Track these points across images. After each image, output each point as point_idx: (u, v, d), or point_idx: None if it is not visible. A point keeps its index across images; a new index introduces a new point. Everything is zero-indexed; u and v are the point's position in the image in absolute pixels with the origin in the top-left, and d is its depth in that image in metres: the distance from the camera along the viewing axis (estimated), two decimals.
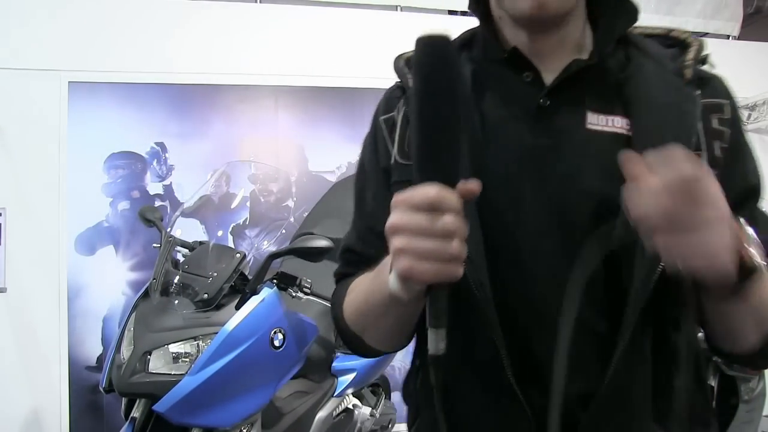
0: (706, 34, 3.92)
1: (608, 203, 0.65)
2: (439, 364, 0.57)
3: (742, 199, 0.71)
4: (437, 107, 0.55)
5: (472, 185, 0.55)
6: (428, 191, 0.53)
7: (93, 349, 2.98)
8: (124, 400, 1.82)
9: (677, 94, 0.70)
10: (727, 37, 3.98)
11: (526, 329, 0.69)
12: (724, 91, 0.73)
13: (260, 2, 3.43)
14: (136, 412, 1.75)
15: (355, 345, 0.81)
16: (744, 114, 3.66)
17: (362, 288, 0.75)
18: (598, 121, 0.70)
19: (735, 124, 0.72)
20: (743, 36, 4.02)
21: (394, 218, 0.55)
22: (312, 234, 2.10)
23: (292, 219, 3.25)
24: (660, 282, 0.64)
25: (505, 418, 0.69)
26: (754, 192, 0.74)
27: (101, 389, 1.83)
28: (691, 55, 0.72)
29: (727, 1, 3.96)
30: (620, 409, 0.67)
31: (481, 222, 0.68)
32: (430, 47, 0.55)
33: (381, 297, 0.67)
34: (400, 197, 0.55)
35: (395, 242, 0.55)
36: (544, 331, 0.67)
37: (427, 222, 0.53)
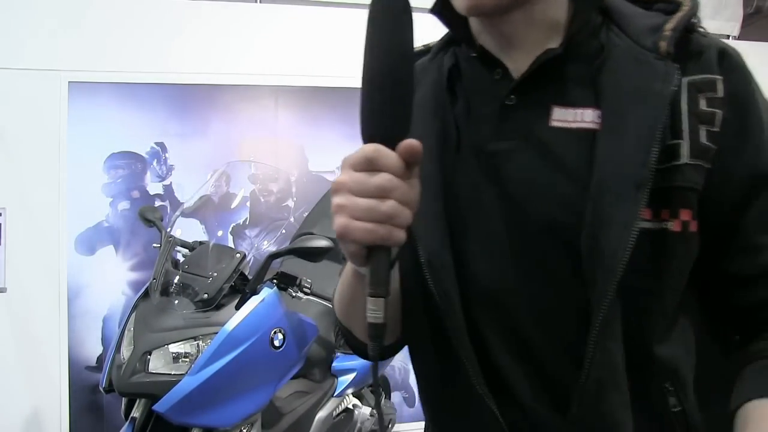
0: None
1: (568, 206, 0.62)
2: (378, 334, 0.55)
3: (751, 191, 0.63)
4: (382, 64, 0.54)
5: (413, 144, 0.53)
6: (365, 150, 0.53)
7: (93, 349, 2.98)
8: (124, 400, 1.82)
9: (648, 73, 0.61)
10: (727, 37, 3.98)
11: (489, 339, 0.67)
12: (719, 64, 0.63)
13: (260, 2, 3.43)
14: (136, 412, 1.75)
15: (350, 342, 0.79)
16: None
17: (342, 276, 0.74)
18: (564, 117, 0.64)
19: (736, 102, 0.62)
20: (743, 36, 4.02)
21: (337, 178, 0.55)
22: (312, 234, 2.10)
23: (292, 219, 3.25)
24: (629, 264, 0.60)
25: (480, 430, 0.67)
26: (762, 174, 0.63)
27: (101, 389, 1.83)
28: (671, 24, 0.62)
29: (727, 1, 3.96)
30: (601, 401, 0.63)
31: (450, 231, 0.67)
32: (386, 3, 0.54)
33: (351, 277, 0.67)
34: (345, 158, 0.54)
35: (334, 200, 0.55)
36: (509, 340, 0.66)
37: (362, 178, 0.53)
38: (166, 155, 3.15)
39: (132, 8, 3.13)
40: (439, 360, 0.71)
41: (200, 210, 3.14)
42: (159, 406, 1.65)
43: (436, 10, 0.71)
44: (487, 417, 0.66)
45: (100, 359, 2.96)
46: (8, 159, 2.92)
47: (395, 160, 0.53)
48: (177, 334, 1.75)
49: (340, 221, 0.54)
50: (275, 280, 1.92)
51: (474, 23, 0.69)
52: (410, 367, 3.03)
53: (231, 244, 3.11)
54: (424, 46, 0.78)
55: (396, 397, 3.28)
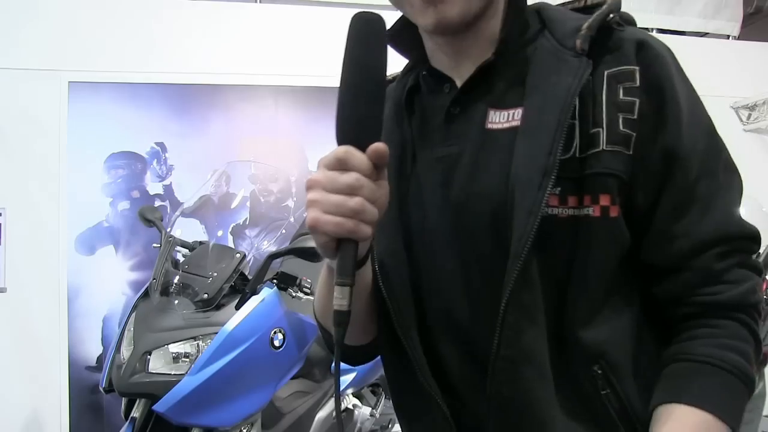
0: (706, 34, 3.92)
1: (497, 200, 0.65)
2: (341, 321, 0.59)
3: (666, 176, 0.65)
4: (358, 77, 0.60)
5: (379, 147, 0.58)
6: (337, 151, 0.59)
7: (93, 349, 2.98)
8: (124, 400, 1.82)
9: (563, 69, 0.65)
10: (727, 37, 3.98)
11: (435, 337, 0.72)
12: (636, 55, 0.65)
13: (260, 2, 3.43)
14: (136, 412, 1.75)
15: (329, 342, 0.81)
16: (744, 114, 3.66)
17: (320, 279, 0.79)
18: (498, 119, 0.69)
19: (653, 89, 0.64)
20: (743, 36, 4.02)
21: (312, 176, 0.60)
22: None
23: (292, 219, 3.25)
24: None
25: None
26: (676, 158, 0.64)
27: (101, 389, 1.83)
28: (587, 23, 0.66)
29: (727, 1, 3.96)
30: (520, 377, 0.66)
31: (405, 234, 0.73)
32: (366, 24, 0.61)
33: (326, 278, 0.73)
34: (320, 158, 0.60)
35: (308, 195, 0.60)
36: (449, 332, 0.71)
37: (333, 176, 0.58)
38: (166, 155, 3.15)
39: (132, 8, 3.13)
40: (395, 361, 0.75)
41: (200, 210, 3.14)
42: (159, 406, 1.65)
43: (391, 39, 0.74)
44: (436, 413, 0.70)
45: (100, 359, 2.96)
46: (8, 159, 2.92)
47: (364, 161, 0.58)
48: (177, 334, 1.75)
49: (312, 214, 0.59)
50: (275, 280, 1.92)
51: (428, 45, 0.75)
52: None
53: (231, 244, 3.11)
54: (391, 75, 0.83)
55: None
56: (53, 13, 3.01)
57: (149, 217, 2.12)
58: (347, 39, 0.61)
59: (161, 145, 3.14)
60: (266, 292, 1.87)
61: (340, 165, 0.58)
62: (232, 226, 3.19)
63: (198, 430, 1.77)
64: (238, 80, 3.25)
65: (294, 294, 1.93)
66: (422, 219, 0.73)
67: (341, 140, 0.60)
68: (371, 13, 0.61)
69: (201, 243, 2.15)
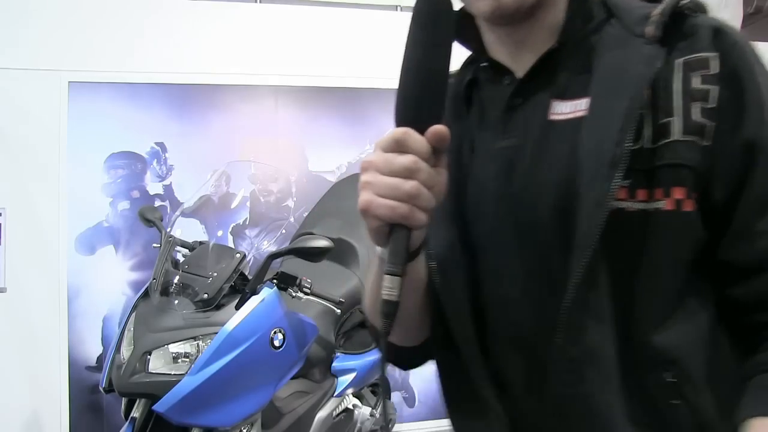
0: None
1: (560, 193, 0.63)
2: (389, 311, 0.57)
3: (748, 167, 0.61)
4: (419, 56, 0.58)
5: (439, 129, 0.56)
6: (395, 132, 0.56)
7: (93, 349, 2.98)
8: (124, 400, 1.82)
9: (634, 57, 0.63)
10: None
11: (492, 335, 0.70)
12: (712, 42, 0.62)
13: (260, 2, 3.43)
14: (136, 412, 1.75)
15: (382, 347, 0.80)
16: None
17: (369, 275, 0.76)
18: (562, 109, 0.66)
19: (732, 77, 0.61)
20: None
21: (367, 156, 0.58)
22: (312, 234, 2.10)
23: (292, 219, 3.25)
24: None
25: None
26: (759, 150, 0.60)
27: (101, 389, 1.83)
28: (659, 9, 0.63)
29: (727, 1, 3.96)
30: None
31: (462, 229, 0.70)
32: (430, 2, 0.59)
33: (377, 274, 0.68)
34: (377, 140, 0.58)
35: (362, 177, 0.58)
36: (508, 333, 0.69)
37: (388, 158, 0.56)
38: (166, 155, 3.15)
39: (132, 8, 3.13)
40: (448, 359, 0.73)
41: (200, 210, 3.14)
42: (159, 406, 1.65)
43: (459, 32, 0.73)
44: (491, 415, 0.67)
45: (100, 359, 2.96)
46: (8, 159, 2.92)
47: (422, 143, 0.56)
48: (177, 334, 1.75)
49: (364, 197, 0.57)
50: (275, 280, 1.92)
51: (488, 37, 0.73)
52: None
53: (231, 244, 3.11)
54: (453, 72, 0.82)
55: (396, 397, 3.28)
56: (53, 13, 3.01)
57: (149, 217, 2.12)
58: (412, 17, 0.59)
59: (161, 145, 3.14)
60: (266, 292, 1.87)
61: (398, 146, 0.56)
62: (232, 226, 3.20)
63: (198, 430, 1.77)
64: (238, 80, 3.24)
65: (294, 294, 1.93)
66: (480, 212, 0.70)
67: (399, 121, 0.58)
68: None
69: (201, 243, 2.15)
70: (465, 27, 0.74)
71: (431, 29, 0.58)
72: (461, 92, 0.76)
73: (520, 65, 0.71)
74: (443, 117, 0.58)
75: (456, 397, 0.76)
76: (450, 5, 0.59)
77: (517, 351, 0.68)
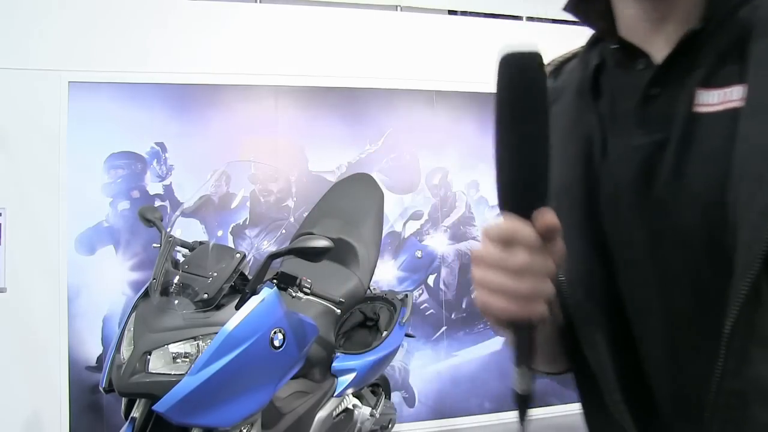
0: None
1: (712, 199, 0.54)
2: (524, 403, 0.56)
3: None
4: (517, 132, 0.53)
5: (548, 220, 0.52)
6: (502, 225, 0.53)
7: (93, 349, 2.98)
8: (124, 400, 1.82)
9: None
10: None
11: (630, 351, 0.63)
12: None
13: (260, 2, 3.43)
14: (136, 412, 1.75)
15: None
16: None
17: None
18: (709, 100, 0.57)
19: None
20: None
21: (477, 249, 0.55)
22: (312, 234, 2.09)
23: (292, 219, 3.25)
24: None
25: None
26: None
27: (101, 389, 1.83)
28: None
29: None
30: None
31: (594, 238, 0.62)
32: (513, 68, 0.53)
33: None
34: (484, 227, 0.55)
35: (474, 272, 0.55)
36: (647, 348, 0.62)
37: (499, 256, 0.52)
38: (166, 155, 3.15)
39: (132, 8, 3.13)
40: (586, 385, 0.68)
41: (200, 210, 3.14)
42: (159, 406, 1.65)
43: (574, 7, 0.66)
44: None
45: (100, 359, 2.96)
46: (8, 159, 2.92)
47: (531, 235, 0.52)
48: (177, 334, 1.75)
49: (480, 296, 0.54)
50: (275, 280, 1.92)
51: (622, 12, 0.64)
52: (410, 367, 3.05)
53: (231, 244, 3.11)
54: (570, 52, 0.74)
55: (396, 397, 3.28)
56: (53, 13, 3.01)
57: (149, 217, 2.12)
58: (497, 84, 0.53)
59: (161, 145, 3.14)
60: (266, 292, 1.87)
61: (507, 241, 0.52)
62: (232, 226, 3.20)
63: (198, 430, 1.77)
64: (238, 80, 3.25)
65: (294, 294, 1.93)
66: (615, 220, 0.62)
67: (503, 206, 0.54)
68: (525, 53, 0.52)
69: (201, 243, 2.14)
70: (592, 2, 0.65)
71: (525, 96, 0.53)
72: (587, 79, 0.67)
73: (656, 47, 0.61)
74: (549, 194, 0.54)
75: (594, 424, 0.70)
76: (541, 61, 0.53)
77: (664, 374, 0.61)
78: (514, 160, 0.54)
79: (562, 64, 0.73)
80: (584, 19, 0.67)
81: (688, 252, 0.56)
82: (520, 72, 0.53)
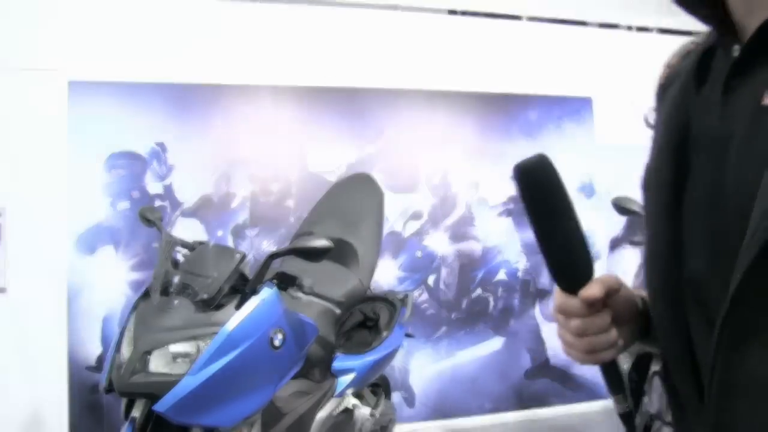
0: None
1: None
2: (627, 421, 0.65)
3: None
4: (547, 227, 0.63)
5: (587, 295, 0.61)
6: (556, 300, 0.64)
7: (93, 349, 2.98)
8: (124, 400, 1.82)
9: None
10: None
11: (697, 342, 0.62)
12: None
13: (260, 2, 3.43)
14: (136, 412, 1.75)
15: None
16: None
17: None
18: None
19: None
20: None
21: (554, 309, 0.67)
22: (312, 234, 2.10)
23: (292, 219, 3.25)
24: None
25: None
26: None
27: (101, 389, 1.83)
28: None
29: None
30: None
31: (675, 225, 0.62)
32: (528, 176, 0.61)
33: None
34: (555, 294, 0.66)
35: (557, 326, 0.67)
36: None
37: (563, 322, 0.65)
38: (166, 155, 3.15)
39: (132, 8, 3.13)
40: (665, 374, 0.70)
41: (200, 210, 3.14)
42: (159, 406, 1.65)
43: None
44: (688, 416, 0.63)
45: (100, 359, 2.96)
46: (8, 159, 2.92)
47: (577, 308, 0.63)
48: (177, 334, 1.75)
49: (561, 345, 0.67)
50: (275, 280, 1.92)
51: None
52: (410, 367, 3.05)
53: (231, 244, 3.11)
54: (697, 37, 0.71)
55: (396, 397, 3.28)
56: (53, 13, 3.01)
57: (149, 217, 2.12)
58: (521, 193, 0.62)
59: (161, 145, 3.14)
60: (266, 292, 1.87)
61: (564, 313, 0.64)
62: (232, 226, 3.20)
63: (198, 430, 1.77)
64: (238, 80, 3.25)
65: (294, 294, 1.93)
66: (693, 212, 0.61)
67: (556, 283, 0.64)
68: (530, 160, 0.61)
69: (201, 243, 2.14)
70: None
71: (544, 197, 0.61)
72: (695, 63, 0.65)
73: (748, 34, 0.56)
74: (591, 267, 0.63)
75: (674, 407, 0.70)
76: (548, 162, 0.61)
77: (689, 372, 0.61)
78: (548, 251, 0.63)
79: (697, 47, 0.70)
80: (690, 11, 0.63)
81: (736, 253, 0.55)
82: (530, 179, 0.61)
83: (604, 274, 0.65)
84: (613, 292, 0.63)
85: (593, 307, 0.62)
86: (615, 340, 0.64)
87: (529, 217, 0.62)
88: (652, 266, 0.66)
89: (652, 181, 0.66)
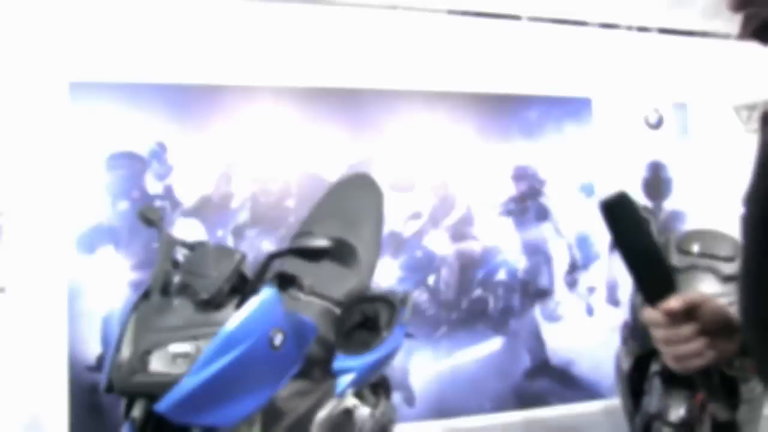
0: (706, 34, 3.92)
1: None
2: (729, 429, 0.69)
3: None
4: (633, 256, 0.70)
5: (666, 309, 0.68)
6: (644, 314, 0.71)
7: (93, 349, 2.98)
8: (124, 400, 1.82)
9: None
10: (727, 36, 3.98)
11: None
12: None
13: (260, 2, 3.43)
14: (136, 412, 1.75)
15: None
16: (743, 114, 3.66)
17: None
18: None
19: None
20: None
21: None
22: (312, 234, 2.09)
23: (292, 219, 3.25)
24: None
25: None
26: None
27: (101, 389, 1.83)
28: None
29: None
30: None
31: None
32: (612, 210, 0.69)
33: None
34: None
35: None
36: None
37: (652, 332, 0.71)
38: (166, 155, 3.15)
39: (132, 8, 3.13)
40: None
41: (200, 210, 3.14)
42: (159, 406, 1.65)
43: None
44: None
45: (100, 359, 2.96)
46: (8, 159, 2.92)
47: (660, 319, 0.69)
48: (177, 334, 1.75)
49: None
50: (275, 280, 1.92)
51: None
52: (410, 367, 3.05)
53: (231, 244, 3.11)
54: None
55: (396, 397, 3.28)
56: (53, 12, 3.01)
57: (149, 216, 2.12)
58: (607, 224, 0.70)
59: (161, 145, 3.14)
60: (266, 293, 1.87)
61: (649, 323, 0.71)
62: (232, 226, 3.19)
63: (198, 430, 1.77)
64: (238, 80, 3.25)
65: (294, 294, 1.93)
66: None
67: (643, 298, 0.72)
68: (612, 196, 0.69)
69: (201, 243, 2.14)
70: None
71: (626, 230, 0.69)
72: None
73: None
74: (671, 284, 0.69)
75: None
76: (627, 198, 0.69)
77: None
78: (633, 271, 0.70)
79: None
80: None
81: None
82: (613, 213, 0.69)
83: (690, 292, 0.72)
84: (695, 305, 0.68)
85: (674, 318, 0.68)
86: (700, 350, 0.68)
87: (616, 244, 0.70)
88: (743, 288, 0.65)
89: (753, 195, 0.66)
